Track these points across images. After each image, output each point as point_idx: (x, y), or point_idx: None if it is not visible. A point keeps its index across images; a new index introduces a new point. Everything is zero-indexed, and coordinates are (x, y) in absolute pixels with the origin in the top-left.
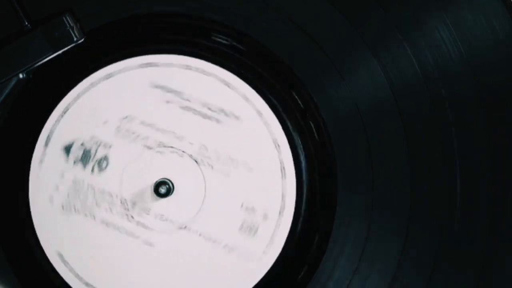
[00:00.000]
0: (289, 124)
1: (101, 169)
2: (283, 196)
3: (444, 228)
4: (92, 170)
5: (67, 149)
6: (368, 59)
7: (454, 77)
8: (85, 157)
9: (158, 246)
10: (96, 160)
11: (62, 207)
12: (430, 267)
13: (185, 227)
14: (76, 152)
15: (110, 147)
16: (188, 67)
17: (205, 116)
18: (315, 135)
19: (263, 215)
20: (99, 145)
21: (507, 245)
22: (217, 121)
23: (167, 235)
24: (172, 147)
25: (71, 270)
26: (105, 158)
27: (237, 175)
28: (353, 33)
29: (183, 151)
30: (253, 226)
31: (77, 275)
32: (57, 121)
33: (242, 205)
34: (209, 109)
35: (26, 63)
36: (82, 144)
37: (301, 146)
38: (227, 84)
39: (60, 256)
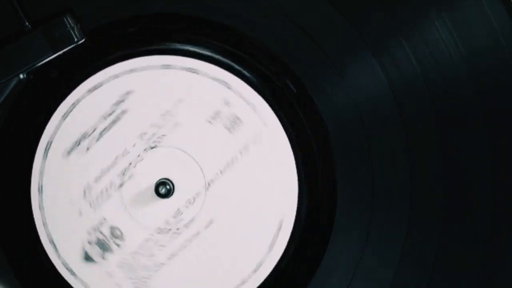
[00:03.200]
0: (289, 124)
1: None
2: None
3: (444, 228)
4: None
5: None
6: (368, 59)
7: (454, 77)
8: None
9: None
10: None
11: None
12: (430, 267)
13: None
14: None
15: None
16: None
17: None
18: (315, 135)
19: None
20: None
21: (507, 245)
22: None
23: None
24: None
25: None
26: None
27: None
28: (353, 33)
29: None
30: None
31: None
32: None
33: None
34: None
35: (27, 63)
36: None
37: (301, 146)
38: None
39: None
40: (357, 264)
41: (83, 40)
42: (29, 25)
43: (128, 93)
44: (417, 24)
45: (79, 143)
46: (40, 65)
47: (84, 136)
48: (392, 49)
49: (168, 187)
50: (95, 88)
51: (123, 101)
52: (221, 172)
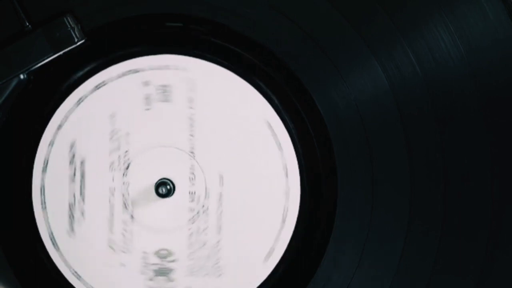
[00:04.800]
0: (289, 123)
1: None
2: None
3: (444, 228)
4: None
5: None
6: (368, 59)
7: (454, 77)
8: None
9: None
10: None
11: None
12: (430, 267)
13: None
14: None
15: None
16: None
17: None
18: (315, 135)
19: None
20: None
21: (507, 245)
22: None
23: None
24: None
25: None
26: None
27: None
28: (353, 33)
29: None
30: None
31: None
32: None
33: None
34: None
35: (27, 64)
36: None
37: (301, 146)
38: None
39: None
40: (357, 264)
41: (83, 40)
42: (30, 26)
43: (71, 146)
44: (417, 24)
45: (73, 216)
46: (40, 66)
47: (71, 207)
48: (392, 49)
49: (167, 186)
50: (45, 167)
51: (73, 156)
52: (192, 135)
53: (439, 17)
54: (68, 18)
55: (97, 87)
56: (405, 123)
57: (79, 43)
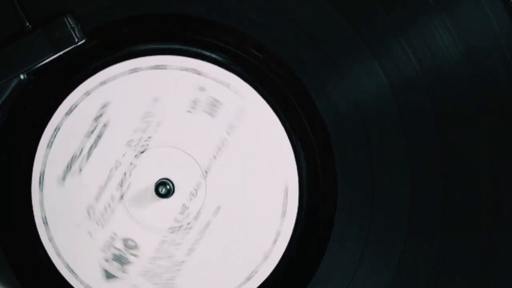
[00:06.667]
0: (289, 124)
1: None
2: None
3: (444, 228)
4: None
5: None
6: (368, 59)
7: (454, 77)
8: None
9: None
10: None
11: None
12: (430, 267)
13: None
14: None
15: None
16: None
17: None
18: (315, 135)
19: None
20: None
21: (507, 245)
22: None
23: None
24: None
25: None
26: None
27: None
28: (353, 33)
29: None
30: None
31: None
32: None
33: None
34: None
35: (27, 64)
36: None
37: (301, 146)
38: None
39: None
40: (357, 264)
41: (83, 40)
42: (30, 26)
43: (104, 106)
44: (417, 24)
45: (70, 167)
46: (40, 66)
47: (73, 159)
48: (392, 49)
49: (168, 186)
50: (71, 110)
51: (101, 115)
52: (214, 157)
53: (439, 17)
54: (68, 18)
55: (158, 67)
56: (405, 123)
57: (79, 43)
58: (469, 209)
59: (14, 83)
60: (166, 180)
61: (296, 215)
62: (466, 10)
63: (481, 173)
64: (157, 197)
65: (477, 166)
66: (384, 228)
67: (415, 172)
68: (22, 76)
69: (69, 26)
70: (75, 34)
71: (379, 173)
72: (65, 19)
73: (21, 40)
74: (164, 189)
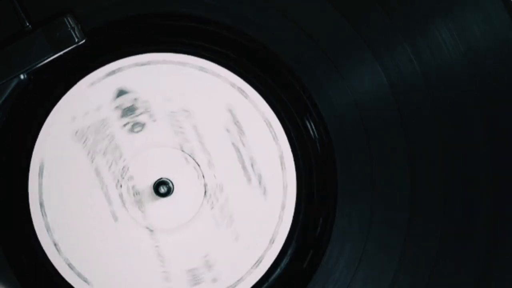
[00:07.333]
0: (288, 124)
1: (132, 130)
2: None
3: (444, 228)
4: (125, 125)
5: (121, 93)
6: (368, 59)
7: (454, 77)
8: (128, 111)
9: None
10: (134, 121)
11: (76, 132)
12: (430, 267)
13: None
14: (126, 101)
15: (154, 120)
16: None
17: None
18: (315, 135)
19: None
20: (146, 112)
21: (507, 245)
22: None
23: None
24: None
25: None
26: (142, 125)
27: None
28: (353, 33)
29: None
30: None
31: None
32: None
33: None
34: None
35: (27, 64)
36: (135, 99)
37: (301, 146)
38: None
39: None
40: (357, 264)
41: (83, 40)
42: (30, 26)
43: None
44: (417, 24)
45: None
46: (40, 66)
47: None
48: (392, 49)
49: (168, 186)
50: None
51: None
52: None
53: (439, 17)
54: (68, 18)
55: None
56: (405, 123)
57: (79, 43)
58: (469, 209)
59: (14, 83)
60: (166, 180)
61: (293, 215)
62: (466, 10)
63: (481, 172)
64: (158, 196)
65: (477, 166)
66: (384, 228)
67: (415, 172)
68: (22, 76)
69: (69, 26)
70: (75, 34)
71: (379, 173)
72: (65, 19)
73: (21, 40)
74: (163, 188)
